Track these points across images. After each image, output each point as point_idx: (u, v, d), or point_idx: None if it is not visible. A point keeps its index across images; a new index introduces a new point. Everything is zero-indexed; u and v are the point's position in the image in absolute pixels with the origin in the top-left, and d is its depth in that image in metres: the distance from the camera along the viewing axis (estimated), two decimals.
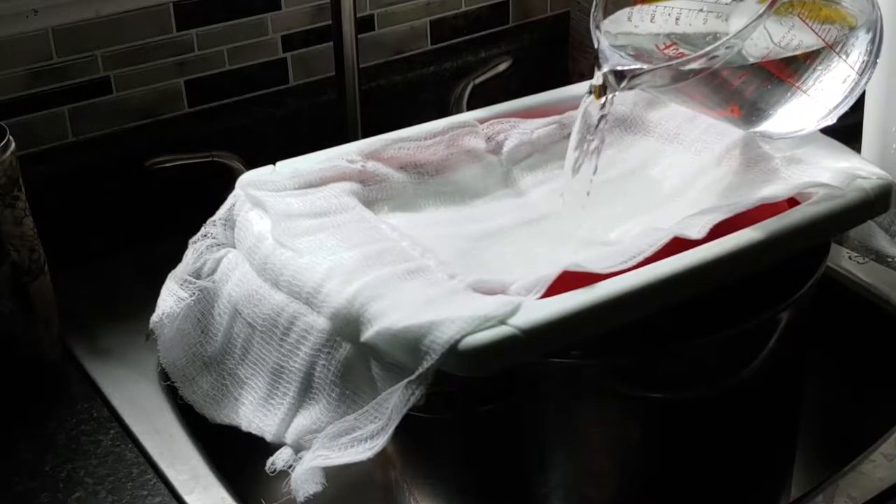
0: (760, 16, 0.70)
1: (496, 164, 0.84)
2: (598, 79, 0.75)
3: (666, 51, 0.77)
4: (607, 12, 0.79)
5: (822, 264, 0.75)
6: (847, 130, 0.84)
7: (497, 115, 0.86)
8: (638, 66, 0.74)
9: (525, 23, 1.24)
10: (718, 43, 0.71)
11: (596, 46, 0.77)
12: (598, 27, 0.77)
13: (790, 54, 0.75)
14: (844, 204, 0.74)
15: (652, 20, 0.79)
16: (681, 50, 0.76)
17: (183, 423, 0.80)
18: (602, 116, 0.76)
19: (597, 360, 0.70)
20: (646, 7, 0.80)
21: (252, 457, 0.73)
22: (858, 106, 1.04)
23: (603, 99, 0.75)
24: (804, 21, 0.75)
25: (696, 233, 0.70)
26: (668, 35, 0.78)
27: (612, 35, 0.78)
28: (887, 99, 1.01)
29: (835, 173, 0.75)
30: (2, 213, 0.80)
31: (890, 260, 0.98)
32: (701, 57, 0.71)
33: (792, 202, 0.76)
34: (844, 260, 0.98)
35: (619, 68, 0.74)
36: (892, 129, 1.01)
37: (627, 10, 0.80)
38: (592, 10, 0.78)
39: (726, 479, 0.79)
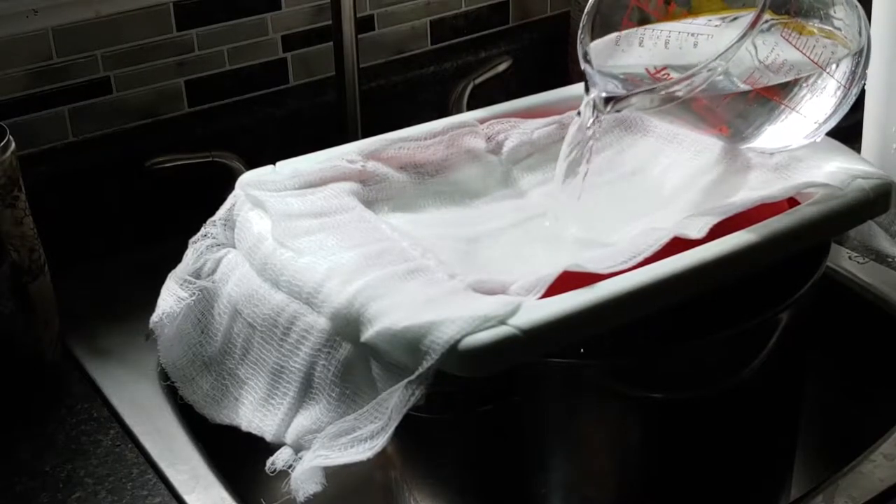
0: (743, 37, 0.70)
1: (496, 164, 0.84)
2: (586, 103, 0.75)
3: (657, 75, 0.77)
4: (594, 36, 0.78)
5: (822, 264, 0.75)
6: (847, 130, 0.84)
7: (497, 115, 0.86)
8: (624, 91, 0.74)
9: (525, 23, 1.24)
10: (700, 66, 0.71)
11: (583, 70, 0.77)
12: (585, 52, 0.77)
13: (777, 79, 0.74)
14: (844, 204, 0.74)
15: (640, 44, 0.79)
16: (672, 74, 0.76)
17: (183, 423, 0.80)
18: (590, 137, 0.76)
19: (597, 360, 0.70)
20: (634, 31, 0.79)
21: (252, 457, 0.73)
22: (858, 106, 1.04)
23: (591, 120, 0.75)
24: (787, 40, 0.75)
25: (696, 233, 0.70)
26: (658, 59, 0.78)
27: (600, 59, 0.78)
28: (887, 99, 1.01)
29: (835, 173, 0.76)
30: (2, 213, 0.80)
31: (890, 260, 0.98)
32: (684, 80, 0.71)
33: (792, 202, 0.76)
34: (844, 260, 0.98)
35: (607, 94, 0.74)
36: (892, 129, 1.01)
37: (615, 34, 0.79)
38: (579, 33, 0.78)
39: (726, 479, 0.79)
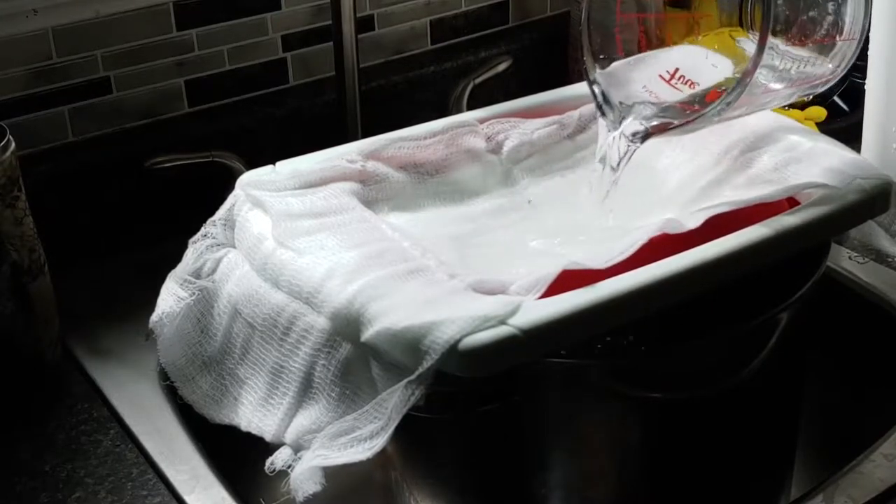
0: (745, 80, 0.70)
1: (496, 164, 0.84)
2: (615, 138, 0.76)
3: (671, 81, 0.77)
4: (594, 45, 0.78)
5: (822, 264, 0.75)
6: (847, 130, 0.84)
7: (497, 115, 0.86)
8: (662, 121, 0.75)
9: (525, 23, 1.24)
10: (728, 95, 0.71)
11: (600, 101, 0.77)
12: (594, 80, 0.77)
13: (803, 69, 0.74)
14: (844, 204, 0.74)
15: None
16: (688, 77, 0.76)
17: (183, 423, 0.80)
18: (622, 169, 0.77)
19: (597, 360, 0.70)
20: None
21: (252, 457, 0.73)
22: (858, 106, 1.04)
23: (622, 156, 0.77)
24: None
25: (692, 223, 0.70)
26: (669, 62, 0.78)
27: (611, 78, 0.78)
28: (887, 99, 1.01)
29: (835, 173, 0.75)
30: (2, 213, 0.80)
31: (890, 260, 0.98)
32: (715, 108, 0.72)
33: (792, 202, 0.76)
34: (844, 260, 0.98)
35: (644, 126, 0.75)
36: (892, 129, 1.01)
37: (623, 60, 0.79)
38: (583, 58, 0.77)
39: (726, 479, 0.79)
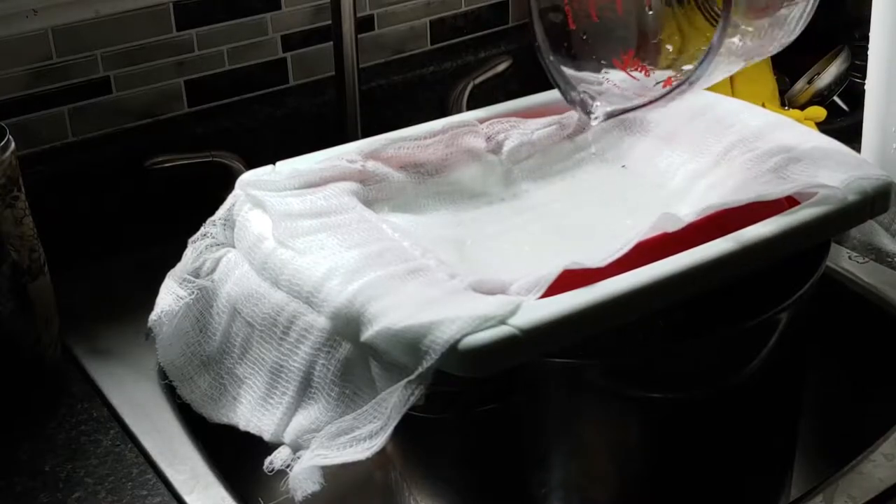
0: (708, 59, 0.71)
1: (496, 164, 0.84)
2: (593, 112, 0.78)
3: (627, 69, 0.77)
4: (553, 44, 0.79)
5: (822, 264, 0.75)
6: (847, 130, 0.84)
7: (497, 115, 0.86)
8: (626, 106, 0.76)
9: (525, 23, 1.24)
10: (683, 80, 0.71)
11: (563, 87, 0.78)
12: (552, 64, 0.78)
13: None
14: (844, 204, 0.74)
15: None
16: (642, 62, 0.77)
17: (183, 422, 0.80)
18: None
19: (597, 360, 0.70)
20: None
21: (252, 456, 0.73)
22: (858, 106, 1.04)
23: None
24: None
25: (688, 218, 0.70)
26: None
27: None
28: (887, 99, 1.01)
29: (835, 173, 0.75)
30: (2, 213, 0.80)
31: (890, 259, 0.98)
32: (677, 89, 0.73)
33: (792, 202, 0.75)
34: (844, 260, 0.98)
35: (610, 110, 0.77)
36: (892, 129, 1.01)
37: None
38: (538, 49, 0.78)
39: (726, 479, 0.79)
